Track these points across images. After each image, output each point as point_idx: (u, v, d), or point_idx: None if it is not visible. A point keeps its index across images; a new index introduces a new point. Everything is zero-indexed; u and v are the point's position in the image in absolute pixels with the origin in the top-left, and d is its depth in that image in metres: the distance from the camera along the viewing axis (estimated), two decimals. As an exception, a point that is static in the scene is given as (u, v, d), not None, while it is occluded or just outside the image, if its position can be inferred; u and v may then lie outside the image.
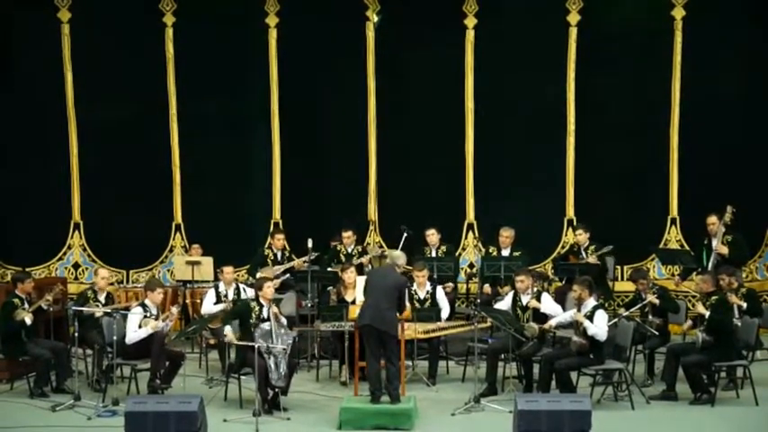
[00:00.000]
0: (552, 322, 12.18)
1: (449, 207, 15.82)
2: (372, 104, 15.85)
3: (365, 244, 15.41)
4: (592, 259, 14.20)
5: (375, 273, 12.24)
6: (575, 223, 15.47)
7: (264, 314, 11.78)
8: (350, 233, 14.74)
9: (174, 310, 12.85)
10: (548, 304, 12.45)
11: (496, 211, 15.48)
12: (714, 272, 13.13)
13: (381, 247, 15.34)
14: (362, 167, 15.91)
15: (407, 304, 12.05)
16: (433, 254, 14.49)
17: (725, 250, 13.73)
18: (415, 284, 13.15)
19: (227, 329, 11.89)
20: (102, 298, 12.97)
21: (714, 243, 13.82)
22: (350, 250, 14.73)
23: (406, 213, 15.07)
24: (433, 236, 14.59)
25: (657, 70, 15.48)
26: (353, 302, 12.76)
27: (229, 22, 15.68)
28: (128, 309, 12.50)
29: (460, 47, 15.70)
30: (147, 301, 12.39)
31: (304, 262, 14.29)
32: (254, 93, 15.96)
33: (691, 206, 15.37)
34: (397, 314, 11.51)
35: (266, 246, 15.10)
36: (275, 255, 14.80)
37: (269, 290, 11.96)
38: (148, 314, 12.25)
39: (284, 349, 11.52)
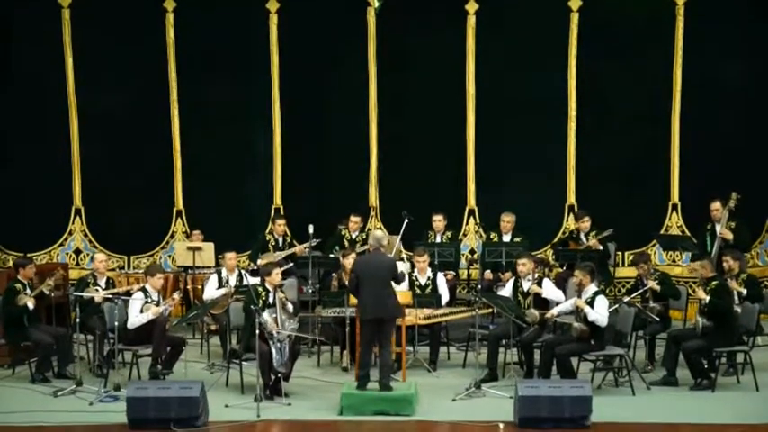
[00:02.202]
0: (554, 311, 12.18)
1: (450, 193, 15.81)
2: (373, 90, 15.82)
3: (367, 230, 15.40)
4: (593, 243, 14.20)
5: (365, 262, 11.61)
6: (576, 210, 15.45)
7: (271, 299, 11.79)
8: (358, 219, 14.81)
9: (176, 296, 12.86)
10: (549, 289, 12.47)
11: (497, 197, 15.47)
12: (717, 256, 13.14)
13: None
14: (364, 153, 15.89)
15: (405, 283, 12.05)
16: (438, 239, 14.48)
17: (729, 235, 13.76)
18: (415, 270, 13.16)
19: (268, 318, 11.50)
20: (102, 283, 12.99)
21: (718, 228, 13.87)
22: (354, 236, 14.74)
23: (407, 199, 15.04)
24: (439, 222, 14.59)
25: (659, 57, 15.47)
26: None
27: (230, 8, 15.64)
28: (128, 293, 12.52)
29: (462, 33, 15.68)
30: (147, 287, 12.41)
31: (305, 248, 14.29)
32: (255, 79, 15.93)
33: (692, 192, 15.38)
34: (396, 287, 11.41)
35: (267, 231, 15.11)
36: (276, 241, 14.81)
37: (277, 276, 11.95)
38: (149, 300, 12.26)
39: (289, 336, 11.53)
